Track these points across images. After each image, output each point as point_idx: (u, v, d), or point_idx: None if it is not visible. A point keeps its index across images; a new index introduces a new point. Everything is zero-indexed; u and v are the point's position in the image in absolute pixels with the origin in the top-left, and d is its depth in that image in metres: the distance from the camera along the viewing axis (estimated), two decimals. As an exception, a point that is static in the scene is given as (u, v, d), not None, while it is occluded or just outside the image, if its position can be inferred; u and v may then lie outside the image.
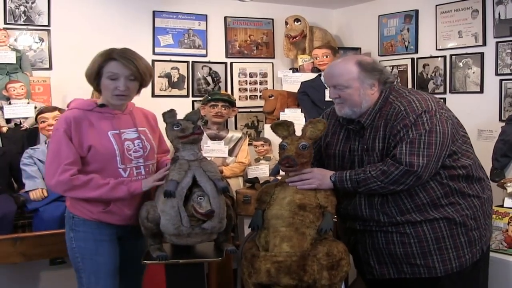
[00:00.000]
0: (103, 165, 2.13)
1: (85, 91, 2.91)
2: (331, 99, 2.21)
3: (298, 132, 2.20)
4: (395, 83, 2.23)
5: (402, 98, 2.11)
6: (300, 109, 4.10)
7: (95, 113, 2.17)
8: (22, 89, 3.57)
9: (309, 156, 2.13)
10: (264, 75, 4.94)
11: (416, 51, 4.37)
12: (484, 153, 2.96)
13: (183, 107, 3.86)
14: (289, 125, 2.18)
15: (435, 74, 4.23)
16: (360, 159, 2.15)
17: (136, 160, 2.18)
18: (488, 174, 2.54)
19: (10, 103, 3.55)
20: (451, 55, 4.09)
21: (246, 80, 4.87)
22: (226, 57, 4.79)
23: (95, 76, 2.15)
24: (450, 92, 4.12)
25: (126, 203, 2.16)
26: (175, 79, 4.52)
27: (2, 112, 3.54)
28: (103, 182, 2.08)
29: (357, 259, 2.25)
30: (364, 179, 2.04)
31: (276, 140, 3.97)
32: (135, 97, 2.28)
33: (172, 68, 4.50)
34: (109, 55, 2.14)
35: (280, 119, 4.04)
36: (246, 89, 4.87)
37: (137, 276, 2.39)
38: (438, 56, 4.19)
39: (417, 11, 4.36)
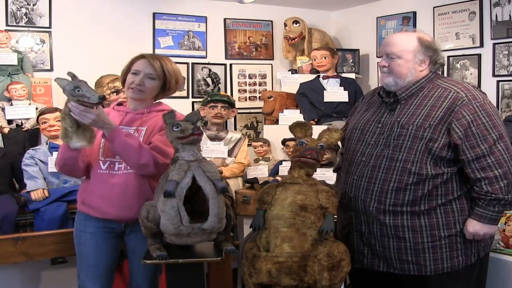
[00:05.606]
0: (92, 154, 2.25)
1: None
2: (380, 67, 2.19)
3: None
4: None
5: (456, 83, 2.10)
6: (299, 110, 4.13)
7: (115, 111, 2.36)
8: (24, 90, 3.60)
9: (320, 159, 2.16)
10: (263, 76, 4.96)
11: (414, 53, 4.40)
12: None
13: (183, 108, 3.88)
14: (307, 128, 2.22)
15: (433, 76, 4.25)
16: (388, 131, 2.12)
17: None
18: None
19: (11, 104, 3.58)
20: (448, 57, 4.11)
21: (246, 81, 4.89)
22: (226, 58, 4.81)
23: (125, 72, 2.30)
24: (448, 93, 4.14)
25: (98, 195, 2.23)
26: (175, 80, 4.54)
27: (4, 113, 3.56)
28: None
29: (349, 248, 2.23)
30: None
31: (275, 141, 4.04)
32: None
33: (172, 70, 4.52)
34: (140, 54, 2.30)
35: (279, 120, 4.10)
36: (245, 90, 4.90)
37: (144, 273, 2.36)
38: (436, 58, 4.22)
39: (414, 13, 4.39)
